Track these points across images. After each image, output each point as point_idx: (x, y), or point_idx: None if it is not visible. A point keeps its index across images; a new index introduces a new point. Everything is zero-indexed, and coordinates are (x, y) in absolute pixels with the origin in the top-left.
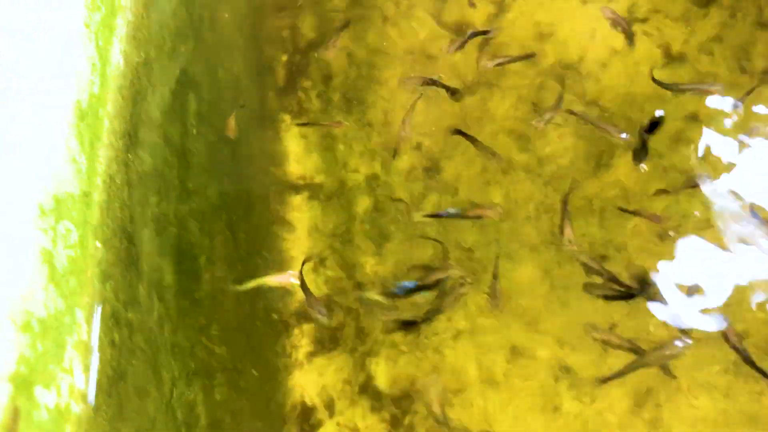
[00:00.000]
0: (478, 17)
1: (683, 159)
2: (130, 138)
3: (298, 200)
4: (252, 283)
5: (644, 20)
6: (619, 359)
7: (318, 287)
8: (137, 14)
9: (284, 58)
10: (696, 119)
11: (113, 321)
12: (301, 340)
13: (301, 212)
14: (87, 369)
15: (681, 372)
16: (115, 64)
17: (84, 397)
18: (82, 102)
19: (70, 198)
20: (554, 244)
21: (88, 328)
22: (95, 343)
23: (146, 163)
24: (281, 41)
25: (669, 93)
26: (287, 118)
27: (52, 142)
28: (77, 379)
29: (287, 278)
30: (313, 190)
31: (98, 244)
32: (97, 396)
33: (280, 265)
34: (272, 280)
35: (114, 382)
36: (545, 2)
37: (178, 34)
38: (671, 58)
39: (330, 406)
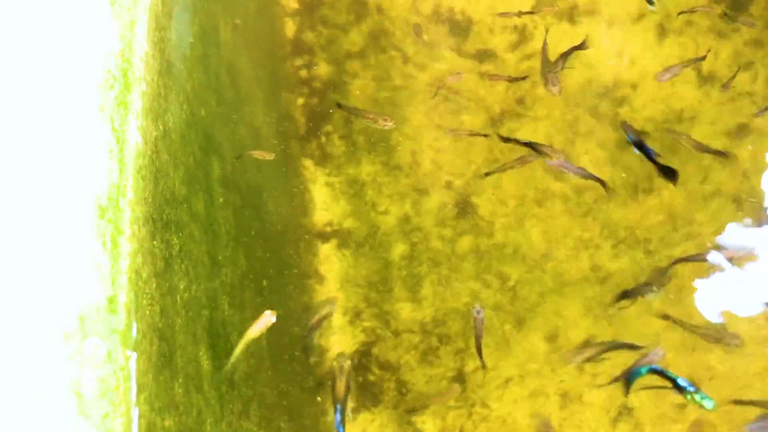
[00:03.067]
0: (499, 45)
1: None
2: (154, 222)
3: (327, 250)
4: (237, 351)
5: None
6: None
7: (355, 339)
8: (152, 83)
9: (301, 101)
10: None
11: None
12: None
13: (331, 263)
14: None
15: None
16: (133, 144)
17: None
18: (101, 196)
19: (95, 310)
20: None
21: None
22: None
23: (173, 246)
24: (299, 85)
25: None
26: (310, 164)
27: (72, 252)
28: None
29: (267, 320)
30: (342, 237)
31: (128, 353)
32: None
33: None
34: (252, 332)
35: None
36: (568, 31)
37: (195, 96)
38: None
39: None
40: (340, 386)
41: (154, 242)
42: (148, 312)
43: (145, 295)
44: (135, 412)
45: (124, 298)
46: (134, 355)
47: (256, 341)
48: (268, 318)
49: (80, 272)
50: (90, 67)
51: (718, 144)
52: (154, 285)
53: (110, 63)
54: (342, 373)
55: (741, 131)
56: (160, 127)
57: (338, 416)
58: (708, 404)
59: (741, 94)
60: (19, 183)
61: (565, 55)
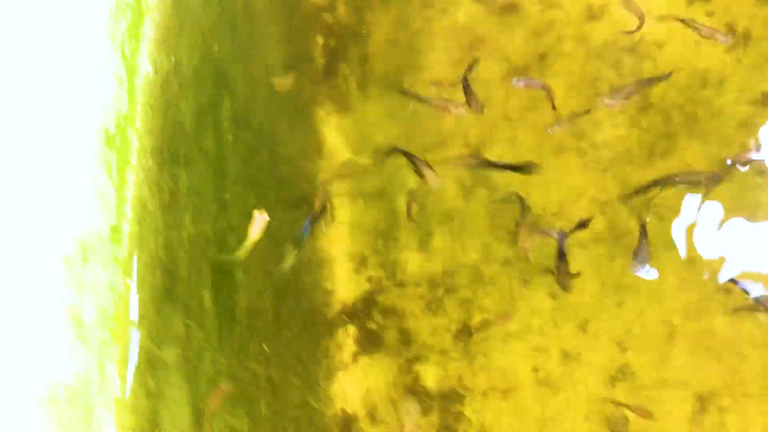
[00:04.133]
0: None
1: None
2: (162, 155)
3: (338, 195)
4: (243, 250)
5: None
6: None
7: (360, 286)
8: (165, 15)
9: (321, 41)
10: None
11: (149, 367)
12: (346, 341)
13: (341, 208)
14: (123, 427)
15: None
16: (144, 75)
17: None
18: (109, 126)
19: (97, 237)
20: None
21: (121, 383)
22: (128, 395)
23: (181, 180)
24: (318, 24)
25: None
26: (325, 106)
27: (76, 179)
28: None
29: (261, 220)
30: (354, 181)
31: (129, 282)
32: None
33: (323, 262)
34: (252, 236)
35: (149, 430)
36: None
37: (211, 29)
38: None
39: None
40: (318, 203)
41: (162, 174)
42: (152, 244)
43: (149, 228)
44: (134, 341)
45: (127, 228)
46: (134, 284)
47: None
48: (261, 219)
49: (83, 199)
50: None
51: (742, 109)
52: (160, 217)
53: None
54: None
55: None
56: (172, 59)
57: (307, 223)
58: None
59: None
60: (24, 108)
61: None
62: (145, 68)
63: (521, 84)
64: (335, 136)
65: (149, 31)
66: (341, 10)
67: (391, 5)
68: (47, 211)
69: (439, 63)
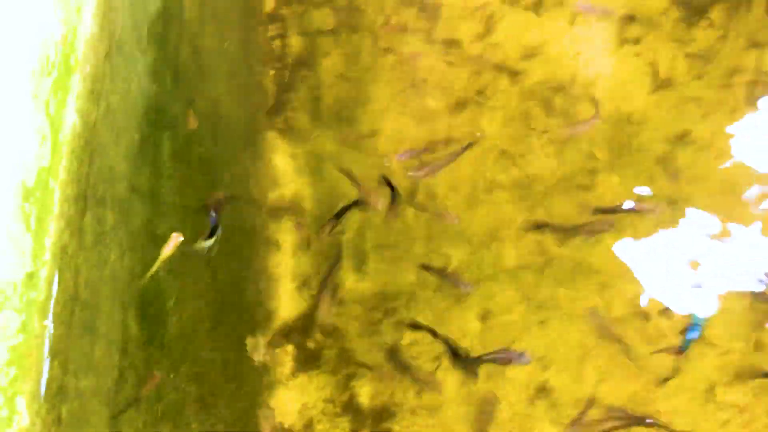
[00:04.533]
0: (466, 35)
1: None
2: (86, 200)
3: (284, 220)
4: (153, 268)
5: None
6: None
7: (300, 305)
8: (97, 66)
9: (272, 73)
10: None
11: (60, 397)
12: (285, 358)
13: (287, 233)
14: None
15: None
16: (69, 127)
17: None
18: (27, 181)
19: (11, 286)
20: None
21: (31, 413)
22: (38, 426)
23: (106, 222)
24: (269, 58)
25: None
26: (274, 136)
27: None
28: None
29: (175, 239)
30: (299, 209)
31: (45, 323)
32: None
33: (269, 285)
34: (164, 253)
35: None
36: (534, 21)
37: (149, 75)
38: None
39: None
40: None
41: (85, 219)
42: (71, 284)
43: (69, 269)
44: (44, 376)
45: (45, 273)
46: (50, 324)
47: (197, 307)
48: (176, 239)
49: None
50: (24, 57)
51: (659, 149)
52: (81, 258)
53: (50, 50)
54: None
55: (684, 137)
56: (103, 106)
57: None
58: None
59: (690, 98)
60: None
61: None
62: (72, 120)
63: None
64: (284, 165)
65: (77, 84)
66: (293, 45)
67: (341, 40)
68: None
69: (383, 96)
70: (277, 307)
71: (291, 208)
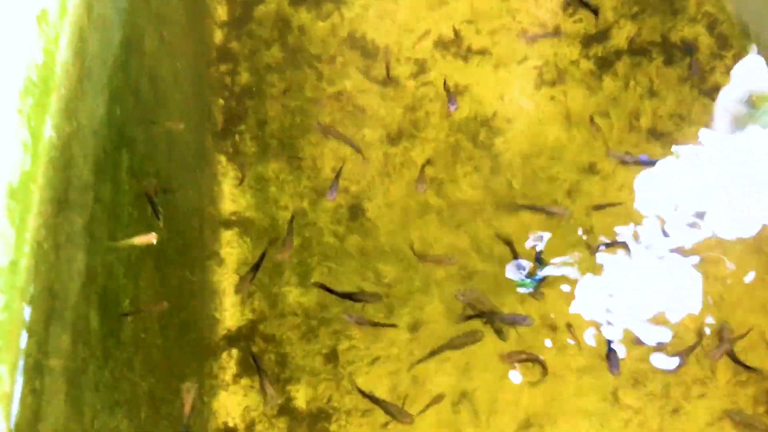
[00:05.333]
0: (401, 73)
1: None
2: (60, 204)
3: (229, 236)
4: (121, 243)
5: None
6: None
7: (244, 316)
8: (70, 88)
9: (221, 102)
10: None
11: (35, 371)
12: (229, 363)
13: (231, 248)
14: (8, 416)
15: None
16: (47, 139)
17: None
18: (13, 182)
19: None
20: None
21: (11, 381)
22: (17, 393)
23: (75, 224)
24: (220, 88)
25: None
26: (223, 159)
27: None
28: None
29: (150, 237)
30: (244, 226)
31: (24, 305)
32: None
33: (209, 296)
34: (137, 240)
35: (33, 424)
36: (462, 68)
37: (113, 99)
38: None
39: (250, 428)
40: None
41: (58, 220)
42: (45, 276)
43: (44, 262)
44: (23, 351)
45: (25, 263)
46: (29, 307)
47: (146, 313)
48: (150, 237)
49: None
50: (12, 77)
51: (571, 176)
52: (54, 255)
53: (32, 73)
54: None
55: (591, 168)
56: (74, 124)
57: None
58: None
59: (597, 139)
60: None
61: None
62: (49, 134)
63: None
64: (231, 186)
65: (54, 103)
66: (243, 76)
67: (286, 75)
68: None
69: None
70: (222, 317)
71: (236, 225)
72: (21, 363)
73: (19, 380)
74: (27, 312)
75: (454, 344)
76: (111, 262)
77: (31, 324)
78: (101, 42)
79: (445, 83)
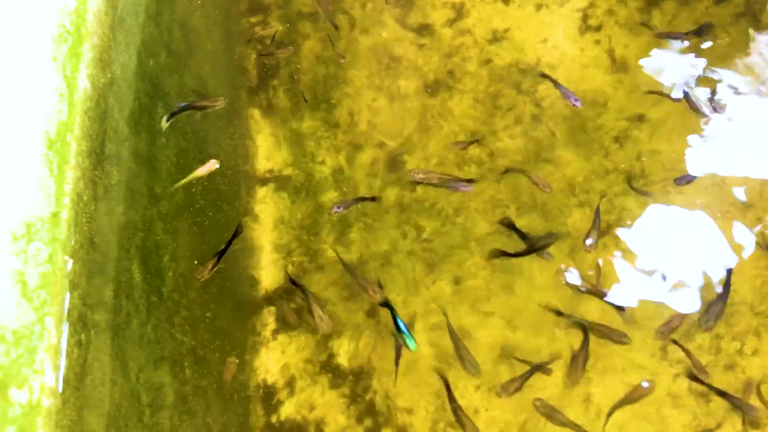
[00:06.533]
0: (438, 20)
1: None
2: (97, 156)
3: (264, 193)
4: (184, 180)
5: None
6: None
7: (283, 272)
8: (103, 37)
9: (254, 57)
10: (642, 120)
11: (81, 324)
12: (268, 320)
13: (267, 205)
14: (57, 368)
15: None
16: (82, 89)
17: (54, 392)
18: (50, 132)
19: (40, 221)
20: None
21: (58, 333)
22: (64, 345)
23: (113, 177)
24: (252, 41)
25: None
26: (257, 114)
27: (22, 175)
28: (48, 378)
29: (212, 165)
30: (279, 183)
31: (66, 258)
32: (65, 390)
33: (248, 253)
34: (199, 171)
35: (81, 377)
36: (501, 10)
37: (145, 49)
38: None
39: (290, 385)
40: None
41: (96, 172)
42: (86, 228)
43: (84, 215)
44: (68, 304)
45: (65, 215)
46: (71, 260)
47: (188, 267)
48: (212, 164)
49: (28, 190)
50: (45, 24)
51: (619, 126)
52: (93, 207)
53: (65, 19)
54: None
55: (641, 119)
56: (108, 75)
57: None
58: (411, 344)
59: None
60: None
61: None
62: (83, 84)
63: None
64: (266, 142)
65: (87, 52)
66: (275, 27)
67: (319, 25)
68: None
69: (359, 78)
70: (260, 275)
71: (271, 181)
72: (65, 316)
73: (65, 333)
74: (69, 264)
75: None
76: (150, 216)
77: (73, 277)
78: None
79: (548, 76)
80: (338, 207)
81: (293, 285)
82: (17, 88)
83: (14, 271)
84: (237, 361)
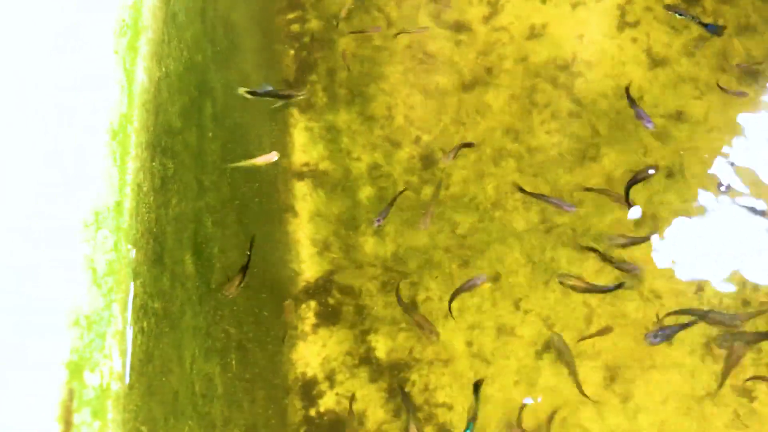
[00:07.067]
0: (473, 17)
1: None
2: (154, 148)
3: (302, 187)
4: (239, 164)
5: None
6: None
7: (322, 267)
8: (157, 31)
9: (292, 53)
10: (680, 118)
11: (143, 311)
12: (307, 314)
13: (305, 200)
14: (123, 354)
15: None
16: (140, 82)
17: (121, 377)
18: (114, 123)
19: (106, 209)
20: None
21: (123, 320)
22: (129, 332)
23: (168, 169)
24: (289, 38)
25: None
26: (294, 110)
27: (92, 165)
28: (115, 363)
29: (271, 156)
30: (316, 178)
31: (129, 246)
32: (130, 376)
33: (287, 247)
34: (258, 160)
35: (144, 363)
36: (539, 7)
37: (194, 44)
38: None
39: (330, 378)
40: None
41: (153, 163)
42: (146, 218)
43: (144, 205)
44: (131, 291)
45: (128, 204)
46: (134, 249)
47: (234, 259)
48: (272, 156)
49: (95, 179)
50: (108, 18)
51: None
52: (152, 198)
53: (124, 14)
54: None
55: (680, 115)
56: (162, 69)
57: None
58: None
59: (685, 79)
60: (52, 108)
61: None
62: (141, 77)
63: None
64: (302, 137)
65: (144, 46)
66: (312, 24)
67: (355, 23)
68: (70, 186)
69: (394, 75)
70: (299, 268)
71: (308, 176)
72: (130, 303)
73: (130, 320)
74: (132, 253)
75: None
76: (200, 209)
77: (136, 265)
78: None
79: (629, 94)
80: (379, 219)
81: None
82: (89, 80)
83: (86, 258)
84: (293, 302)
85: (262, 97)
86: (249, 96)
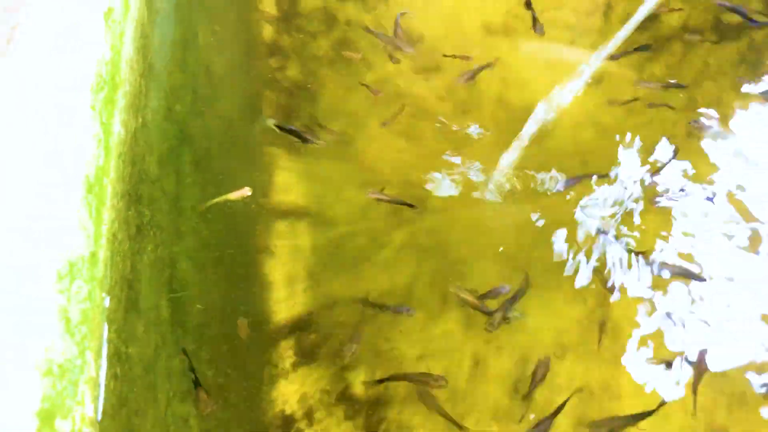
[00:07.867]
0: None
1: None
2: (130, 197)
3: (281, 227)
4: (214, 200)
5: None
6: None
7: (297, 308)
8: (134, 84)
9: (272, 97)
10: None
11: (116, 357)
12: (286, 353)
13: (284, 239)
14: (95, 399)
15: None
16: (116, 134)
17: (93, 423)
18: (90, 176)
19: (81, 260)
20: None
21: (96, 366)
22: (102, 378)
23: (144, 216)
24: (272, 83)
25: None
26: (276, 151)
27: (67, 218)
28: (88, 408)
29: (244, 191)
30: (296, 217)
31: (103, 295)
32: (103, 421)
33: (265, 287)
34: (232, 195)
35: (117, 408)
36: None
37: (173, 94)
38: None
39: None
40: None
41: (129, 212)
42: (120, 266)
43: (118, 253)
44: (105, 338)
45: (102, 254)
46: (108, 297)
47: (210, 300)
48: (245, 191)
49: (71, 231)
50: (85, 74)
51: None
52: (127, 246)
53: (102, 69)
54: None
55: None
56: (140, 119)
57: None
58: None
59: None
60: (30, 166)
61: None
62: (117, 129)
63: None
64: (283, 178)
65: (121, 99)
66: (292, 71)
67: (335, 68)
68: (45, 237)
69: (375, 116)
70: (277, 308)
71: (287, 216)
72: (104, 350)
73: (103, 366)
74: (107, 301)
75: None
76: (177, 254)
77: (109, 313)
78: (160, 38)
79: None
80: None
81: None
82: (66, 137)
83: (60, 308)
84: (247, 321)
85: (286, 133)
86: (276, 129)
